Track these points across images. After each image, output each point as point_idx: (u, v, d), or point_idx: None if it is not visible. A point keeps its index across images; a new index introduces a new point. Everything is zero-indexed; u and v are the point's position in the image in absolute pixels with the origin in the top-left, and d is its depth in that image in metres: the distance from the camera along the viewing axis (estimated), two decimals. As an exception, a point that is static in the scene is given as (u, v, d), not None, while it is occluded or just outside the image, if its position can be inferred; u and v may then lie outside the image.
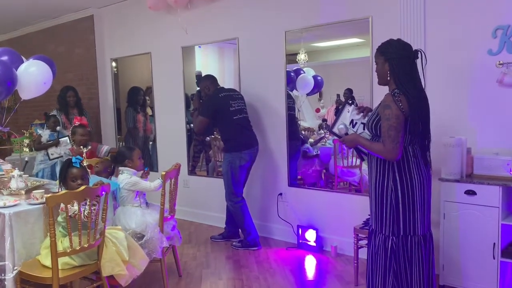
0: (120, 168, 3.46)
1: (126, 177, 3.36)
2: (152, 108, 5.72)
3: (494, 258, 2.90)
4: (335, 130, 2.78)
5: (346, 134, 2.73)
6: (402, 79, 2.47)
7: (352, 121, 2.77)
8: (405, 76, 2.47)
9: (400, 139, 2.42)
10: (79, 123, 4.24)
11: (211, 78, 4.36)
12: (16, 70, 3.62)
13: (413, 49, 2.53)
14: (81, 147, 3.74)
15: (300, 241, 4.23)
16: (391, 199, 2.51)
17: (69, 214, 2.52)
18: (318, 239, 4.12)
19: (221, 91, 4.25)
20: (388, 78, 2.53)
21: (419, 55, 2.52)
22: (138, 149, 3.63)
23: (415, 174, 2.49)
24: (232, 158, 4.17)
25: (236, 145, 4.17)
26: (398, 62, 2.48)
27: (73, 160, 2.86)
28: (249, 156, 4.21)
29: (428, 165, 2.58)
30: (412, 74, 2.49)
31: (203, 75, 4.57)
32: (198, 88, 4.73)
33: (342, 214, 4.01)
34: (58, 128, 5.02)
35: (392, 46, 2.53)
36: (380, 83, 2.62)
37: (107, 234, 2.80)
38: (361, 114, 2.75)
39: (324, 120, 4.51)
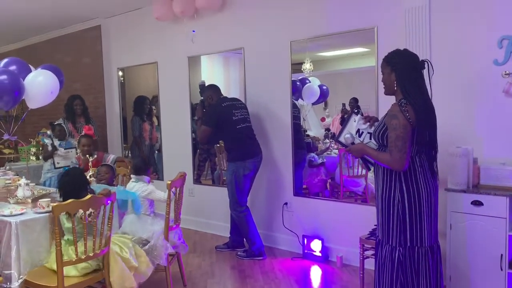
0: (131, 176, 3.51)
1: (141, 185, 3.41)
2: (158, 117, 5.75)
3: (501, 269, 2.87)
4: (341, 139, 2.78)
5: (353, 143, 2.72)
6: (409, 89, 2.46)
7: (358, 130, 2.76)
8: (412, 86, 2.47)
9: (407, 149, 2.41)
10: (85, 132, 4.30)
11: (214, 88, 4.38)
12: (24, 80, 3.66)
13: (420, 59, 2.53)
14: (87, 156, 3.77)
15: (306, 251, 4.21)
16: (398, 210, 2.49)
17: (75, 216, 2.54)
18: (324, 249, 4.10)
19: (224, 101, 4.26)
20: (395, 88, 2.53)
21: (426, 65, 2.52)
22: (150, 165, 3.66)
23: (422, 185, 2.47)
24: (236, 167, 4.17)
25: (240, 154, 4.17)
26: (405, 72, 2.48)
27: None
28: (252, 165, 4.21)
29: (435, 176, 2.57)
30: (419, 84, 2.48)
31: (206, 85, 4.59)
32: (201, 98, 4.75)
33: (348, 224, 3.99)
34: (67, 137, 5.09)
35: (398, 56, 2.53)
36: (386, 92, 2.62)
37: (115, 240, 2.82)
38: (368, 123, 2.75)
39: (328, 129, 4.51)
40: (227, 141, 4.31)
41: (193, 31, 4.90)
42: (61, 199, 2.80)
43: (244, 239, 4.38)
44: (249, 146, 4.23)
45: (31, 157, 5.38)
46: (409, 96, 2.45)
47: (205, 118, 4.24)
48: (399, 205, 2.49)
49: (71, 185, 2.83)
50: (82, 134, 4.31)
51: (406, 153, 2.41)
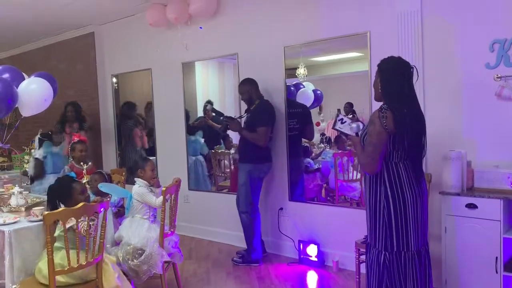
0: (135, 179, 3.49)
1: (138, 188, 3.39)
2: (152, 122, 5.73)
3: (497, 272, 2.87)
4: (351, 126, 2.69)
5: (357, 134, 2.68)
6: (391, 95, 2.49)
7: (341, 119, 2.77)
8: (395, 92, 2.49)
9: (377, 156, 2.47)
10: (78, 139, 4.25)
11: (254, 83, 4.22)
12: (17, 88, 3.65)
13: (411, 69, 2.54)
14: (81, 163, 3.74)
15: (302, 256, 4.20)
16: (384, 215, 2.52)
17: (67, 226, 2.51)
18: (320, 254, 4.09)
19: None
20: (381, 94, 2.56)
21: (412, 71, 2.54)
22: (152, 161, 3.63)
23: (407, 190, 2.49)
24: (252, 168, 4.15)
25: (260, 156, 4.16)
26: (390, 78, 2.51)
27: (72, 174, 2.88)
28: (267, 168, 4.25)
29: (422, 181, 2.58)
30: (404, 91, 2.50)
31: (244, 78, 4.31)
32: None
33: (344, 229, 3.99)
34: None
35: (387, 62, 2.57)
36: (375, 98, 2.66)
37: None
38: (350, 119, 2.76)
39: (323, 134, 4.52)
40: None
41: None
42: (49, 208, 2.78)
43: (246, 244, 4.30)
44: (268, 149, 4.25)
45: (25, 165, 5.36)
46: (390, 102, 2.48)
47: (263, 119, 4.12)
48: (384, 210, 2.51)
49: (58, 193, 2.80)
50: (75, 141, 4.25)
51: (375, 159, 2.47)
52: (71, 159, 4.29)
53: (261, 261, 4.23)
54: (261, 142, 4.09)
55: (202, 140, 5.38)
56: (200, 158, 5.37)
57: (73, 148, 4.22)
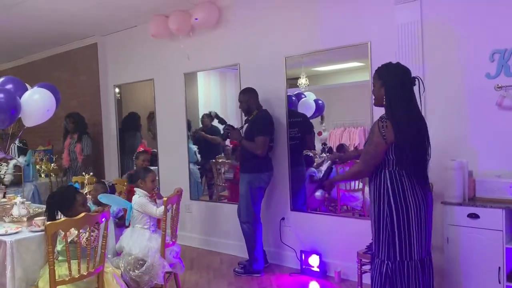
0: (135, 189, 3.50)
1: (138, 198, 3.39)
2: (154, 132, 5.76)
3: (499, 282, 2.85)
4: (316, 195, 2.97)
5: (322, 184, 2.92)
6: (394, 105, 2.50)
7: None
8: (398, 102, 2.50)
9: (372, 164, 2.55)
10: (143, 149, 4.46)
11: (254, 92, 4.26)
12: (20, 98, 3.68)
13: (411, 75, 2.55)
14: (84, 173, 3.76)
15: (304, 266, 4.18)
16: (387, 224, 2.52)
17: (69, 240, 2.51)
18: (322, 264, 4.07)
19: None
20: (384, 102, 2.56)
21: (417, 82, 2.54)
22: (154, 172, 3.65)
23: (410, 198, 2.49)
24: (252, 178, 4.15)
25: (259, 166, 4.16)
26: (394, 88, 2.52)
27: (76, 186, 2.89)
28: (268, 178, 4.23)
29: (427, 189, 2.58)
30: (406, 100, 2.51)
31: (245, 87, 4.35)
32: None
33: (346, 239, 3.97)
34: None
35: (390, 70, 2.57)
36: (375, 104, 2.67)
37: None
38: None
39: (325, 143, 4.52)
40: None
41: (196, 19, 4.74)
42: (47, 217, 2.78)
43: (248, 254, 4.29)
44: (268, 159, 4.25)
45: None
46: (392, 112, 2.49)
47: (262, 128, 4.14)
48: (387, 219, 2.51)
49: (59, 202, 2.80)
50: (140, 150, 4.44)
51: (369, 166, 2.56)
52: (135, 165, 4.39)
53: (263, 271, 4.22)
54: (259, 151, 4.09)
55: (195, 148, 5.39)
56: (193, 166, 5.38)
57: (137, 157, 4.40)
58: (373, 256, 2.66)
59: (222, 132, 4.64)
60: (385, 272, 2.52)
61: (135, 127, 6.00)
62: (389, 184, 2.51)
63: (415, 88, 2.56)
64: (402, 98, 2.50)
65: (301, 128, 4.41)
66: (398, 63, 2.65)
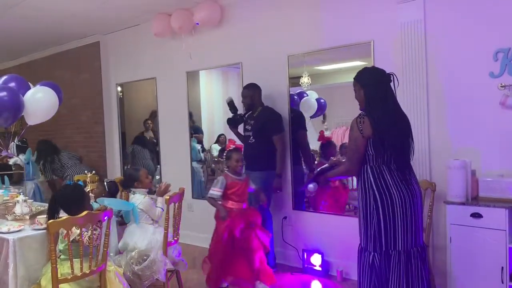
0: (132, 190, 3.50)
1: (140, 197, 3.40)
2: (156, 132, 5.76)
3: (502, 282, 2.85)
4: (309, 186, 3.06)
5: (317, 178, 3.03)
6: (371, 103, 2.60)
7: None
8: (376, 100, 2.59)
9: (355, 160, 2.64)
10: (233, 146, 4.17)
11: (259, 89, 4.27)
12: (23, 96, 3.68)
13: (387, 75, 2.64)
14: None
15: (306, 265, 4.18)
16: (373, 217, 2.58)
17: (71, 239, 2.51)
18: (324, 263, 4.07)
19: None
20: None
21: (392, 77, 2.63)
22: (143, 168, 3.64)
23: (395, 191, 2.55)
24: (269, 175, 4.12)
25: (274, 163, 4.16)
26: (371, 87, 2.62)
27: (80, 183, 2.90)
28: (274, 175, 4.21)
29: (412, 182, 2.61)
30: (383, 97, 2.60)
31: (250, 83, 4.34)
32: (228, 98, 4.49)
33: (348, 238, 3.95)
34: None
35: (365, 72, 2.71)
36: (360, 108, 2.73)
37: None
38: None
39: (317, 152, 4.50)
40: (271, 149, 4.15)
41: (197, 23, 4.79)
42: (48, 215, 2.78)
43: None
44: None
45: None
46: (369, 109, 2.60)
47: (279, 126, 4.17)
48: (374, 213, 2.58)
49: (71, 199, 2.79)
50: (231, 148, 3.97)
51: (353, 163, 2.66)
52: (226, 169, 3.76)
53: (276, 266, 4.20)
54: (282, 148, 4.17)
55: (199, 146, 5.37)
56: (196, 165, 5.36)
57: (228, 156, 3.74)
58: (361, 249, 2.71)
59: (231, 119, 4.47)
60: (372, 262, 2.60)
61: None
62: (372, 179, 2.59)
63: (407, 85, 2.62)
64: (379, 95, 2.60)
65: (292, 123, 4.39)
66: (373, 67, 2.80)
